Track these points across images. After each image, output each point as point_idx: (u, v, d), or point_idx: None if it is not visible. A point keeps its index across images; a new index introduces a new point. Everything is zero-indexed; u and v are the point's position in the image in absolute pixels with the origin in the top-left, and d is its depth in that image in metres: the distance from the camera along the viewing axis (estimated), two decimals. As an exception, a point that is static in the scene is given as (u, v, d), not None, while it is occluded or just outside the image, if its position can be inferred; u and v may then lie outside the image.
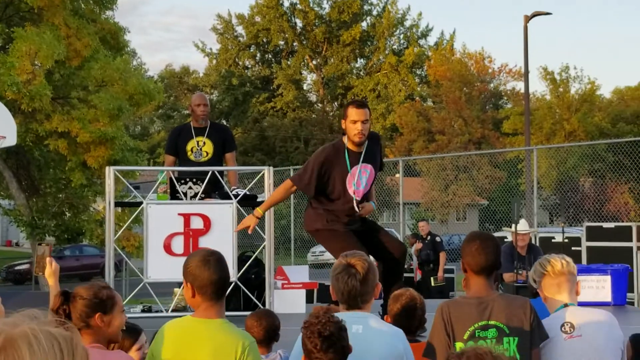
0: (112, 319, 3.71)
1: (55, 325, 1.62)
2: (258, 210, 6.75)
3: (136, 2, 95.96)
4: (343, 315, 3.74)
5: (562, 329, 3.99)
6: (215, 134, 9.17)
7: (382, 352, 3.56)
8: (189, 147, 9.05)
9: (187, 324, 3.59)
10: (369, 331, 3.67)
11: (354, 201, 6.58)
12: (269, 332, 4.78)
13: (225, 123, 54.31)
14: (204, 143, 9.06)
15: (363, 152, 6.64)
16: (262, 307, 8.42)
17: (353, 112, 6.51)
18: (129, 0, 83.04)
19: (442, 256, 15.17)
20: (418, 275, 15.31)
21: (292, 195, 22.42)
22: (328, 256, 29.03)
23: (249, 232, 6.72)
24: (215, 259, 3.52)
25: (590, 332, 3.96)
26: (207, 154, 9.05)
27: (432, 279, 14.98)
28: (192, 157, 9.02)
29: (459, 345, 3.89)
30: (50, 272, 4.35)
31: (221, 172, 8.97)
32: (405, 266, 15.67)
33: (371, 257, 6.60)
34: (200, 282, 3.51)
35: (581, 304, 4.26)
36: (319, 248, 27.56)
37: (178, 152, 9.13)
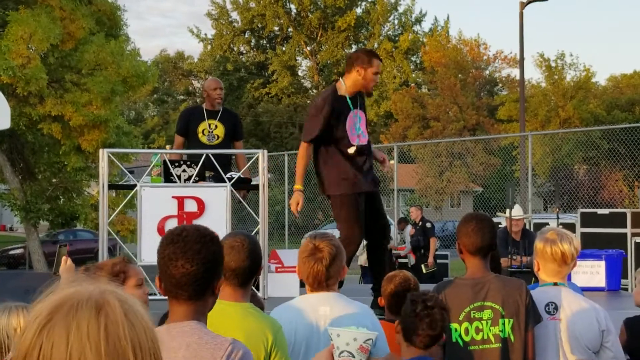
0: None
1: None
2: (298, 186, 6.78)
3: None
4: (309, 297, 3.71)
5: (546, 308, 3.97)
6: (227, 118, 9.22)
7: None
8: (200, 129, 9.05)
9: (215, 306, 3.51)
10: (336, 311, 3.64)
11: (355, 146, 6.64)
12: None
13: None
14: (216, 126, 9.07)
15: (359, 99, 6.73)
16: (254, 290, 8.40)
17: (377, 64, 6.63)
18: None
19: (433, 242, 15.09)
20: (412, 260, 15.28)
21: (286, 182, 22.54)
22: (322, 242, 29.09)
23: (299, 208, 6.69)
24: (242, 246, 3.40)
25: (571, 318, 3.94)
26: (218, 137, 9.06)
27: (422, 266, 14.85)
28: (204, 140, 9.02)
29: (454, 326, 3.88)
30: (64, 268, 4.42)
31: (227, 158, 9.00)
32: (402, 253, 15.77)
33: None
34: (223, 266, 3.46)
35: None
36: (314, 234, 27.53)
37: (188, 134, 9.13)
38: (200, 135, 9.05)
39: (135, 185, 8.52)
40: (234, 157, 9.56)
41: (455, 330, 3.89)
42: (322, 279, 3.64)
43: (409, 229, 15.70)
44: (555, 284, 4.02)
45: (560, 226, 12.51)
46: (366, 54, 6.71)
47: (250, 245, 3.45)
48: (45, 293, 1.48)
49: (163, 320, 3.71)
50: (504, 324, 3.87)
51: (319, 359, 2.34)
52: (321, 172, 6.78)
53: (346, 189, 6.64)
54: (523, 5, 26.05)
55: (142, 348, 1.44)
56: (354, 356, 2.32)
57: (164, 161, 8.42)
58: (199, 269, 2.59)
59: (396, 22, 54.79)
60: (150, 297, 8.63)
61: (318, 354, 2.42)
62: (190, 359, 2.49)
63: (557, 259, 3.97)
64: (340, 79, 6.74)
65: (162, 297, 8.63)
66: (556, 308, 3.95)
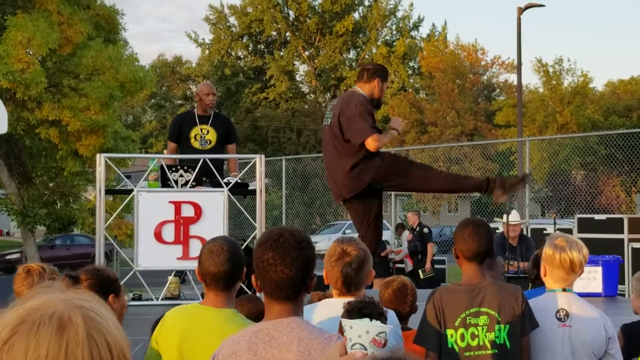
0: (121, 299, 3.69)
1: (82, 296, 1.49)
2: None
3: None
4: (333, 301, 3.72)
5: (557, 315, 3.97)
6: (219, 123, 9.21)
7: None
8: (192, 134, 9.05)
9: (194, 311, 3.52)
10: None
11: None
12: (251, 318, 4.73)
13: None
14: (208, 131, 9.07)
15: None
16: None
17: (389, 80, 6.90)
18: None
19: (430, 247, 15.08)
20: (409, 265, 15.27)
21: (284, 187, 22.56)
22: (320, 247, 29.25)
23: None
24: (221, 250, 3.44)
25: (581, 325, 3.94)
26: (210, 142, 9.06)
27: (420, 271, 14.83)
28: (196, 145, 9.02)
29: (449, 332, 3.88)
30: None
31: (221, 162, 8.97)
32: (397, 258, 15.77)
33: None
34: (203, 271, 3.47)
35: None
36: (312, 239, 27.53)
37: (180, 139, 9.12)
38: (192, 140, 9.05)
39: (132, 190, 8.51)
40: (226, 161, 9.54)
41: (451, 336, 3.89)
42: (351, 282, 3.65)
43: (406, 235, 15.70)
44: (564, 290, 4.02)
45: (558, 232, 12.52)
46: (384, 69, 6.76)
47: (230, 249, 3.47)
48: (12, 304, 1.45)
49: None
50: (499, 330, 3.87)
51: (332, 352, 2.37)
52: (351, 172, 6.38)
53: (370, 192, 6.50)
54: (521, 11, 26.10)
55: None
56: (366, 349, 2.33)
57: (161, 166, 8.42)
58: (297, 274, 2.77)
59: (394, 27, 54.83)
60: (146, 303, 8.62)
61: (331, 346, 2.47)
62: (304, 352, 2.64)
63: (566, 266, 3.98)
64: (356, 87, 6.55)
65: (159, 302, 8.56)
66: (567, 315, 3.96)
